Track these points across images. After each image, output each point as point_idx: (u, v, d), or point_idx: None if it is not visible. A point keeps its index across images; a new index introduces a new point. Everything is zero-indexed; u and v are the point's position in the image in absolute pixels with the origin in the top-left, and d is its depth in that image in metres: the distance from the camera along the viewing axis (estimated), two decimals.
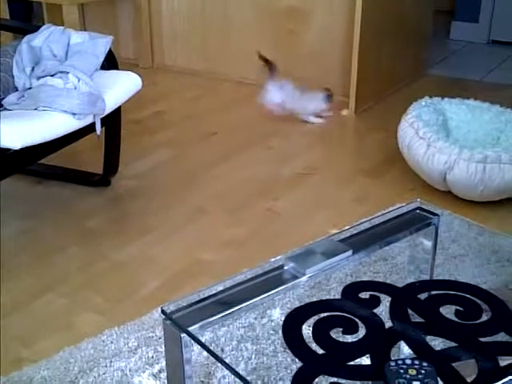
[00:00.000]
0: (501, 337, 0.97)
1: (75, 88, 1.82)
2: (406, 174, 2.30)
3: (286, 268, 1.13)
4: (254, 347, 1.46)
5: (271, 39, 3.20)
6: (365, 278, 1.70)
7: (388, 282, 1.69)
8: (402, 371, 0.84)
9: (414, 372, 0.83)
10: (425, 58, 3.46)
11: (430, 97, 2.39)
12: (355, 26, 2.74)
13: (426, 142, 2.11)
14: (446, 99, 2.40)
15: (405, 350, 1.04)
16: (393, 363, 0.85)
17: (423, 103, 2.32)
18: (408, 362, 0.86)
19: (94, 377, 1.38)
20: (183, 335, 0.98)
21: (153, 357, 1.43)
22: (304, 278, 1.10)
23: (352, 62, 2.81)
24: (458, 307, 1.01)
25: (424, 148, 2.11)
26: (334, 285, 1.67)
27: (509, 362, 0.90)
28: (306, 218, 2.08)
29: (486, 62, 3.64)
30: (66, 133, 1.80)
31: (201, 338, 1.46)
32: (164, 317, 1.01)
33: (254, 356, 1.43)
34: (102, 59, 2.01)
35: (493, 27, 3.97)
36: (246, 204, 2.16)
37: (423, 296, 1.07)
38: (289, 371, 1.37)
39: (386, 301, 1.08)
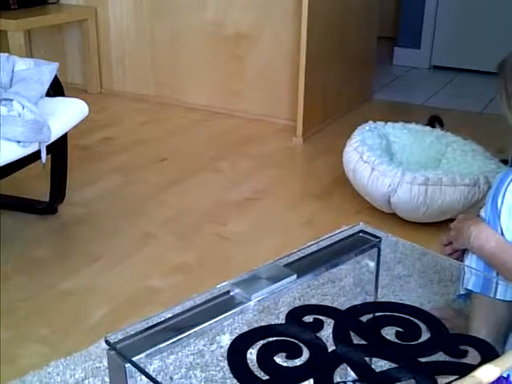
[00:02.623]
0: (440, 356, 1.00)
1: (19, 115, 1.80)
2: (352, 197, 2.35)
3: (231, 294, 1.13)
4: (203, 374, 1.45)
5: (219, 64, 3.24)
6: (313, 301, 1.72)
7: (335, 304, 1.72)
8: None
9: None
10: (369, 83, 3.56)
11: (374, 121, 2.46)
12: (301, 52, 2.80)
13: (371, 165, 2.16)
14: (389, 123, 2.48)
15: (351, 372, 1.06)
16: None
17: (367, 128, 2.39)
18: None
19: None
20: (128, 365, 0.98)
21: None
22: (249, 304, 1.11)
23: (298, 87, 2.86)
24: (398, 328, 1.04)
25: (368, 172, 2.16)
26: (282, 309, 1.68)
27: (447, 380, 0.93)
28: (255, 242, 2.09)
29: (427, 87, 3.77)
30: (10, 161, 1.77)
31: (149, 367, 1.46)
32: (108, 347, 1.00)
33: (203, 383, 1.43)
34: (47, 86, 1.99)
35: (434, 53, 4.13)
36: (194, 229, 2.17)
37: (366, 318, 1.09)
38: None
39: (332, 324, 1.10)
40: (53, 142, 1.92)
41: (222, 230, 2.17)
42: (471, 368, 0.92)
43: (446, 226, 2.16)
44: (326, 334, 1.06)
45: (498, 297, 1.33)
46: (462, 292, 1.42)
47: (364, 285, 1.36)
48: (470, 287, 1.36)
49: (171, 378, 1.44)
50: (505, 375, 0.92)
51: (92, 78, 3.52)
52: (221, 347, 1.54)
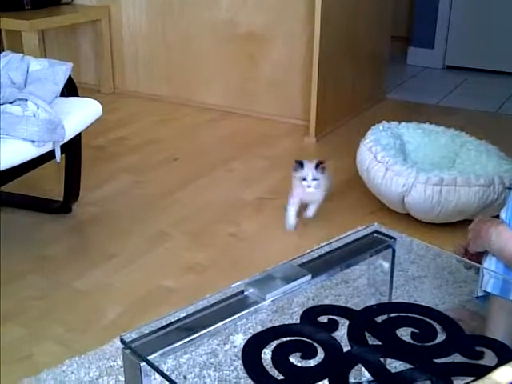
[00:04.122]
0: (455, 358, 0.99)
1: (34, 115, 1.81)
2: (366, 197, 2.34)
3: (246, 293, 1.13)
4: (217, 374, 1.45)
5: (232, 64, 3.24)
6: (326, 302, 1.71)
7: (349, 304, 1.72)
8: None
9: None
10: (383, 83, 3.55)
11: (388, 121, 2.45)
12: (314, 51, 2.80)
13: (385, 165, 2.15)
14: (403, 123, 2.46)
15: (366, 373, 1.05)
16: None
17: (381, 128, 2.37)
18: None
19: None
20: (143, 364, 0.98)
21: None
22: (264, 303, 1.11)
23: (312, 87, 2.86)
24: (413, 329, 1.03)
25: (382, 172, 2.15)
26: (296, 309, 1.68)
27: (463, 382, 0.92)
28: (269, 242, 2.09)
29: (441, 87, 3.74)
30: (25, 160, 1.79)
31: (163, 366, 1.46)
32: (123, 346, 1.01)
33: (216, 383, 1.43)
34: (61, 86, 2.00)
35: (447, 53, 4.10)
36: (208, 229, 2.17)
37: (380, 319, 1.08)
38: None
39: (346, 324, 1.10)
40: (67, 142, 1.93)
41: (235, 229, 2.17)
42: (488, 369, 0.91)
43: (461, 227, 2.15)
44: (341, 334, 1.06)
45: None
46: (480, 294, 1.40)
47: (378, 286, 1.35)
48: (488, 290, 1.35)
49: (185, 377, 1.44)
50: None
51: (105, 78, 3.54)
52: (234, 347, 1.54)
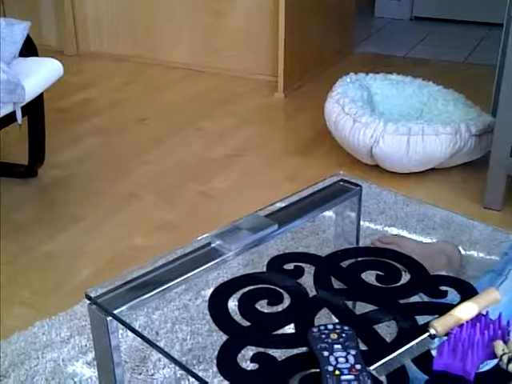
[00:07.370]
0: (419, 298, 1.01)
1: None
2: (335, 150, 2.34)
3: (212, 245, 1.13)
4: (189, 328, 1.46)
5: (199, 22, 3.17)
6: None
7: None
8: (323, 336, 0.86)
9: (336, 336, 0.86)
10: (351, 36, 3.51)
11: (355, 73, 2.43)
12: (280, 6, 2.75)
13: (352, 117, 2.15)
14: (370, 75, 2.45)
15: (333, 316, 1.06)
16: (315, 329, 0.88)
17: (348, 80, 2.36)
18: (330, 327, 0.88)
19: (26, 369, 1.35)
20: (109, 319, 0.97)
21: (86, 345, 1.41)
22: (230, 254, 1.11)
23: (278, 42, 2.82)
24: (378, 272, 1.04)
25: (350, 124, 2.14)
26: (266, 262, 1.68)
27: (427, 320, 0.94)
28: (239, 198, 2.09)
29: (409, 38, 3.72)
30: None
31: (134, 323, 1.46)
32: (89, 301, 1.00)
33: (189, 337, 1.43)
34: (19, 46, 1.94)
35: (414, 4, 4.07)
36: (178, 188, 2.15)
37: (346, 264, 1.09)
38: None
39: (313, 271, 1.10)
40: (28, 103, 1.88)
41: (205, 187, 2.15)
42: (451, 307, 0.93)
43: (429, 176, 2.17)
44: (307, 280, 1.06)
45: None
46: None
47: (347, 236, 1.36)
48: None
49: (157, 333, 1.45)
50: (484, 313, 0.92)
51: (68, 40, 3.44)
52: (206, 301, 1.54)
